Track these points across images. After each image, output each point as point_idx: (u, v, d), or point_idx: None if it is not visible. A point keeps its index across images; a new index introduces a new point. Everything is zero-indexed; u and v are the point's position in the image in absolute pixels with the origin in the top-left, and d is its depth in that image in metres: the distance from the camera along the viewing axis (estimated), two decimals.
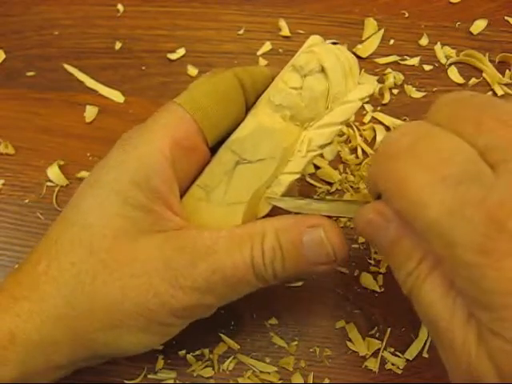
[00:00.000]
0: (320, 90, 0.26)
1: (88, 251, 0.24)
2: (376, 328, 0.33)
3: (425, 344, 0.32)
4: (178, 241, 0.25)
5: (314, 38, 0.28)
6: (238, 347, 0.32)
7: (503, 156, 0.19)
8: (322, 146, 0.26)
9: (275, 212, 0.27)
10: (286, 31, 0.42)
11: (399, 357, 0.32)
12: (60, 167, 0.38)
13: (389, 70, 0.40)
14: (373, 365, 0.32)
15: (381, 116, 0.39)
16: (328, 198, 0.28)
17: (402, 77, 0.40)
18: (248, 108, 0.28)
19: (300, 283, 0.34)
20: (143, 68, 0.41)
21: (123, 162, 0.26)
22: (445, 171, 0.20)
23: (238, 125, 0.27)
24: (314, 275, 0.27)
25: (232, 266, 0.25)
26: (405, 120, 0.39)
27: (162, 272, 0.24)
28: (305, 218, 0.26)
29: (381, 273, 0.34)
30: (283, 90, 0.26)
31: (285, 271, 0.25)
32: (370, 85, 0.27)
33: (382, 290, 0.34)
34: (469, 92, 0.23)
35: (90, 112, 0.40)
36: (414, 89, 0.40)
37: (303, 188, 0.36)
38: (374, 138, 0.38)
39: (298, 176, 0.27)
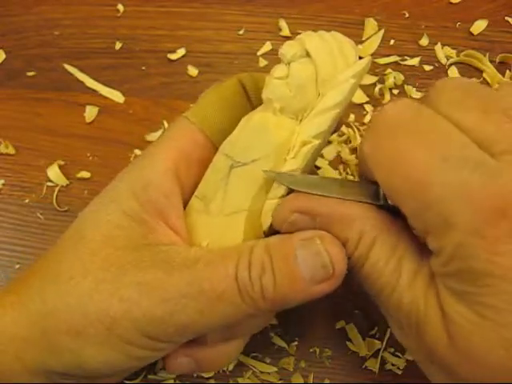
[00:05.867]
0: (306, 76, 0.24)
1: (73, 252, 0.24)
2: (376, 328, 0.33)
3: None
4: (160, 255, 0.23)
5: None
6: None
7: (507, 148, 0.20)
8: (318, 136, 0.24)
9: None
10: (286, 31, 0.42)
11: (399, 357, 0.32)
12: (60, 167, 0.38)
13: (389, 70, 0.40)
14: (373, 365, 0.32)
15: None
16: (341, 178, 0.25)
17: (402, 77, 0.40)
18: None
19: None
20: (143, 68, 0.41)
21: (126, 172, 0.26)
22: (446, 152, 0.20)
23: None
24: (311, 299, 0.23)
25: (211, 277, 0.22)
26: None
27: (134, 281, 0.22)
28: (299, 232, 0.23)
29: None
30: (269, 82, 0.24)
31: (276, 290, 0.22)
32: (360, 61, 0.24)
33: None
34: (470, 80, 0.23)
35: (90, 112, 0.40)
36: (414, 89, 0.40)
37: None
38: None
39: (297, 170, 0.24)
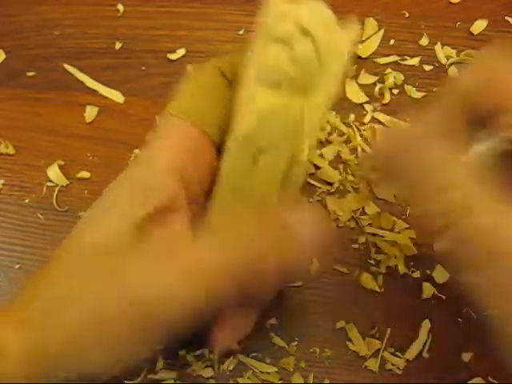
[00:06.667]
0: (308, 53, 0.25)
1: (73, 265, 0.24)
2: (376, 328, 0.33)
3: (425, 344, 0.32)
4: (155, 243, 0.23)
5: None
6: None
7: None
8: (327, 104, 0.26)
9: None
10: None
11: (399, 357, 0.32)
12: (60, 167, 0.38)
13: (389, 70, 0.40)
14: (373, 365, 0.32)
15: (381, 116, 0.39)
16: None
17: (402, 77, 0.40)
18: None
19: (300, 283, 0.34)
20: (143, 68, 0.41)
21: (126, 176, 0.26)
22: None
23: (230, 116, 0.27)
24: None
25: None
26: (405, 120, 0.39)
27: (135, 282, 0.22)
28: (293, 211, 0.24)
29: (381, 273, 0.34)
30: (272, 66, 0.25)
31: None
32: (352, 27, 0.27)
33: (382, 290, 0.34)
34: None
35: (90, 112, 0.40)
36: (414, 89, 0.40)
37: (303, 187, 0.36)
38: (374, 138, 0.38)
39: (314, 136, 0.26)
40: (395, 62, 0.41)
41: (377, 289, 0.33)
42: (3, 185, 0.38)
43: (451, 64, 0.41)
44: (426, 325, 0.33)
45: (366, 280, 0.34)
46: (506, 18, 0.42)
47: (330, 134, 0.38)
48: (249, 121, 0.25)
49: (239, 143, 0.26)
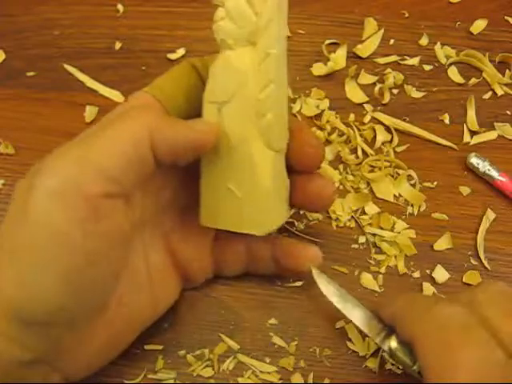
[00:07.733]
0: (241, 6, 0.26)
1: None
2: None
3: None
4: None
5: None
6: (238, 347, 0.32)
7: None
8: (273, 45, 0.26)
9: None
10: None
11: None
12: None
13: (389, 69, 0.40)
14: (373, 365, 0.32)
15: (381, 116, 0.39)
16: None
17: (402, 77, 0.40)
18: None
19: (300, 283, 0.34)
20: (143, 68, 0.41)
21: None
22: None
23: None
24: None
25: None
26: (405, 120, 0.39)
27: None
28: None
29: (381, 273, 0.34)
30: (217, 27, 0.27)
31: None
32: None
33: (382, 289, 0.34)
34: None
35: (90, 112, 0.40)
36: (413, 89, 0.40)
37: None
38: (374, 137, 0.38)
39: (273, 81, 0.27)
40: (395, 62, 0.41)
41: (377, 289, 0.33)
42: (3, 185, 0.38)
43: (451, 64, 0.41)
44: None
45: (366, 280, 0.34)
46: (506, 17, 0.42)
47: (329, 133, 0.38)
48: (209, 79, 0.28)
49: (206, 102, 0.28)
